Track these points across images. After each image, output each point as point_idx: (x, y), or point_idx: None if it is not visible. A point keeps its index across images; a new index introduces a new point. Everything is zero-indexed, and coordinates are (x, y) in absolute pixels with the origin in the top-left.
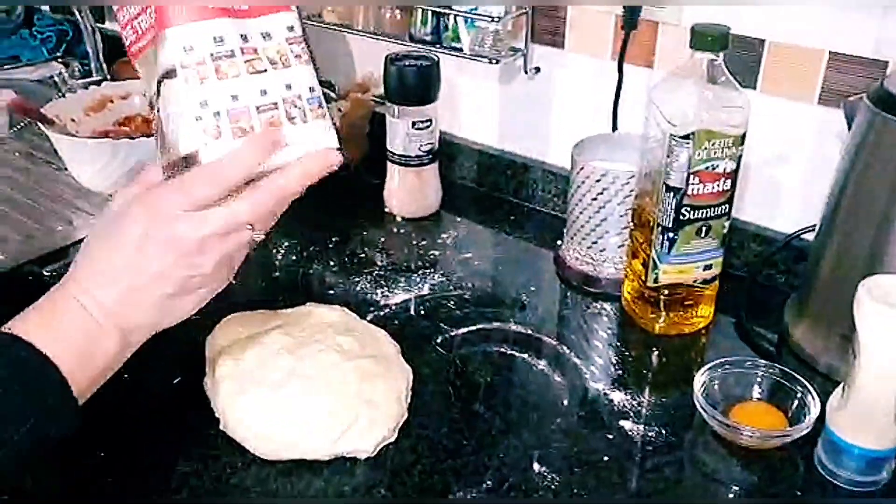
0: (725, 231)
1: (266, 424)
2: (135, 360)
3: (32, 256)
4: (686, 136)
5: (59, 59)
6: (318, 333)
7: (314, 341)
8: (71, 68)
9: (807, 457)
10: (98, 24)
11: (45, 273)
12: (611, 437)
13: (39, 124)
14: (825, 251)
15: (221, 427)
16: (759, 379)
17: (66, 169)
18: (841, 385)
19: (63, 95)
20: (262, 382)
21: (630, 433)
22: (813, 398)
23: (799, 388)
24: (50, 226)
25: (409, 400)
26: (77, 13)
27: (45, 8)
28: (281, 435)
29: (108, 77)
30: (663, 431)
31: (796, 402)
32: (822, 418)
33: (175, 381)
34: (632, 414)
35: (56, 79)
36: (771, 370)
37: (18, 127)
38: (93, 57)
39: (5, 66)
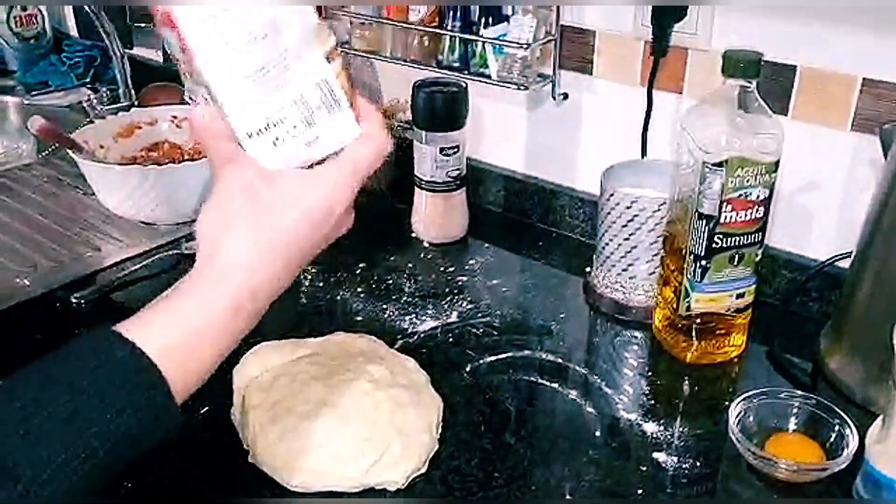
0: (758, 259)
1: (296, 455)
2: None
3: (61, 283)
4: (719, 164)
5: (88, 85)
6: (348, 362)
7: (345, 370)
8: (99, 94)
9: (846, 491)
10: (126, 50)
11: (73, 299)
12: (644, 469)
13: (68, 150)
14: (861, 279)
15: (250, 458)
16: (795, 410)
17: (93, 194)
18: (880, 417)
19: (92, 121)
20: (291, 412)
21: (663, 465)
22: (851, 430)
23: (836, 420)
24: (78, 252)
25: (440, 430)
26: (105, 38)
27: (74, 33)
28: (311, 465)
29: (136, 103)
30: (697, 463)
31: (834, 434)
32: (860, 451)
33: (202, 412)
34: (665, 445)
35: (85, 105)
36: (807, 401)
37: (46, 152)
38: (121, 82)
39: (34, 92)
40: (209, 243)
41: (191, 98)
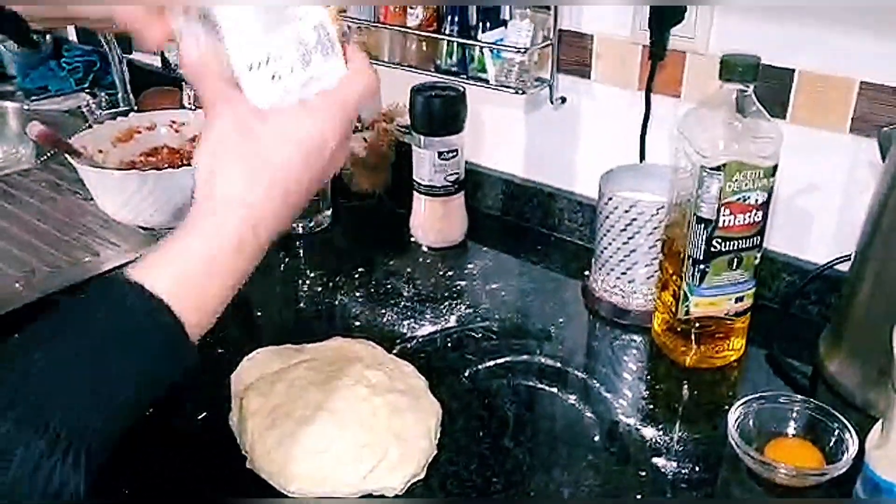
0: (757, 263)
1: (294, 460)
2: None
3: (58, 288)
4: (717, 168)
5: (87, 90)
6: (346, 368)
7: (343, 376)
8: (98, 99)
9: (845, 495)
10: (125, 55)
11: None
12: (643, 473)
13: (67, 155)
14: (861, 282)
15: (248, 464)
16: (794, 414)
17: (92, 199)
18: (880, 421)
19: (90, 126)
20: (289, 418)
21: (663, 470)
22: (851, 435)
23: (836, 424)
24: (76, 257)
25: (438, 435)
26: (105, 43)
27: (74, 38)
28: (309, 471)
29: (135, 108)
30: (696, 468)
31: (833, 438)
32: (860, 455)
33: (200, 417)
34: (664, 450)
35: (84, 109)
36: (807, 405)
37: (45, 157)
38: (120, 87)
39: (34, 97)
40: (206, 181)
41: (190, 103)
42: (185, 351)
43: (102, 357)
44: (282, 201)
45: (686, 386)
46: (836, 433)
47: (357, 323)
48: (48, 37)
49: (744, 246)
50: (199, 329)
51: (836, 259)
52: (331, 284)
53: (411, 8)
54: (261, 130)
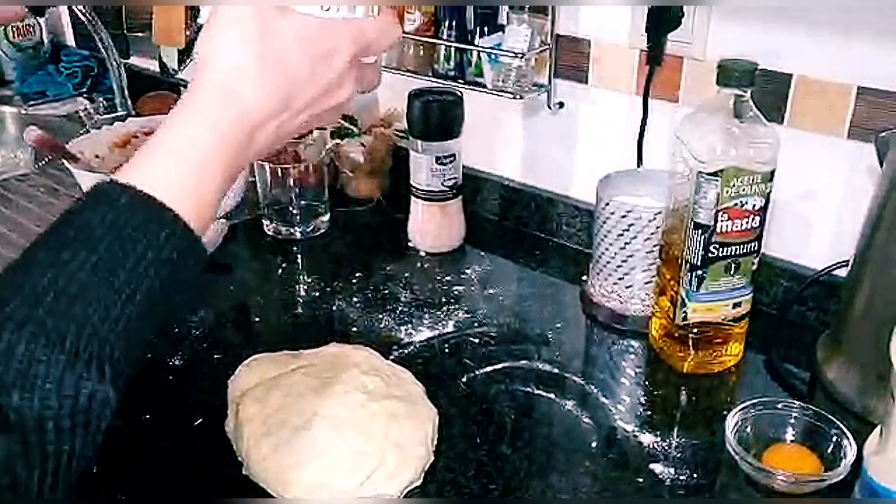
0: (755, 268)
1: (290, 468)
2: (156, 401)
3: None
4: (714, 173)
5: (85, 95)
6: (342, 374)
7: (339, 382)
8: (96, 104)
9: None
10: (123, 60)
11: None
12: (641, 480)
13: (64, 161)
14: (859, 288)
15: (244, 471)
16: (792, 420)
17: None
18: (878, 427)
19: (88, 131)
20: (285, 424)
21: (660, 476)
22: (849, 441)
23: (834, 430)
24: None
25: (435, 442)
26: (103, 48)
27: (72, 43)
28: (305, 478)
29: (133, 112)
30: (694, 475)
31: (832, 444)
32: (858, 462)
33: (196, 423)
34: (662, 456)
35: (82, 114)
36: (805, 412)
37: (43, 162)
38: (118, 92)
39: (32, 102)
40: (209, 62)
41: None
42: (192, 247)
43: (108, 266)
44: (283, 105)
45: (684, 392)
46: (834, 439)
47: (354, 328)
48: (47, 42)
49: (741, 251)
50: (200, 223)
51: (834, 264)
52: (328, 290)
53: (409, 12)
54: (281, 27)
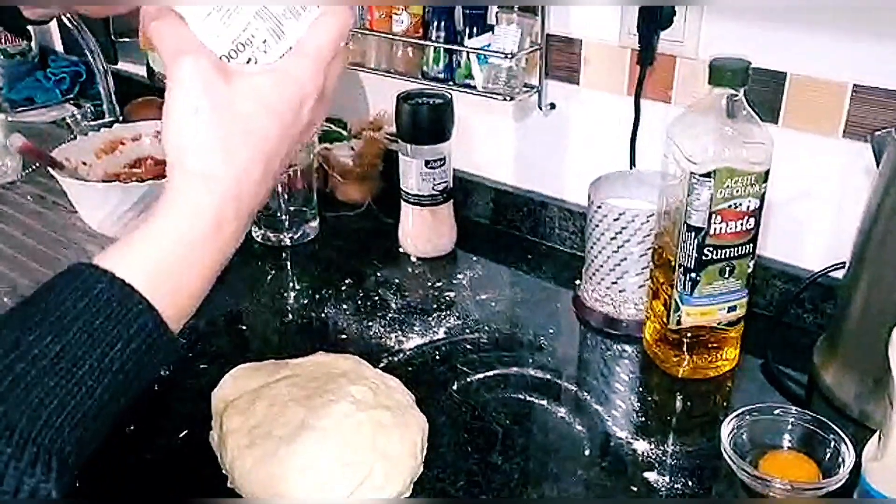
0: (750, 271)
1: (275, 480)
2: (140, 413)
3: None
4: (707, 174)
5: (73, 101)
6: (329, 383)
7: (326, 392)
8: (84, 110)
9: None
10: (110, 66)
11: None
12: (635, 489)
13: (49, 168)
14: (855, 290)
15: (229, 483)
16: (789, 427)
17: (77, 212)
18: (876, 433)
19: (75, 137)
20: (270, 436)
21: (655, 485)
22: (847, 447)
23: (832, 436)
24: (60, 270)
25: (424, 452)
26: (89, 54)
27: (60, 49)
28: (291, 491)
29: (121, 118)
30: (689, 483)
31: (829, 451)
32: (857, 469)
33: (181, 436)
34: (656, 464)
35: (69, 121)
36: (802, 418)
37: (30, 170)
38: (105, 98)
39: (20, 109)
40: (177, 154)
41: None
42: (163, 343)
43: (72, 355)
44: (261, 174)
45: (679, 397)
46: (832, 446)
47: (344, 336)
48: (35, 48)
49: (736, 254)
50: (178, 318)
51: (831, 266)
52: (318, 297)
53: (396, 14)
54: (233, 94)
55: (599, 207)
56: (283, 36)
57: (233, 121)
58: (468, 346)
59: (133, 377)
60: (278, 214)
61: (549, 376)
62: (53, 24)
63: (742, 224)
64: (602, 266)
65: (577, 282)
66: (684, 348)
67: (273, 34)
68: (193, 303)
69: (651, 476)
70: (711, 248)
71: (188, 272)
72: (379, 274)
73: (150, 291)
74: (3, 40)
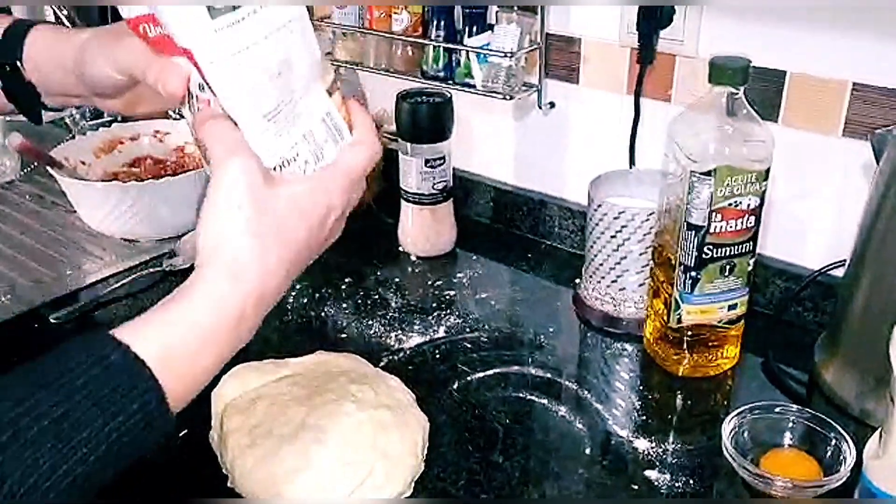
0: (750, 269)
1: (276, 480)
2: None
3: (40, 302)
4: (707, 173)
5: None
6: (330, 383)
7: (326, 391)
8: (82, 109)
9: None
10: None
11: (52, 319)
12: (636, 487)
13: (48, 167)
14: (856, 288)
15: (229, 483)
16: (790, 425)
17: (76, 212)
18: (878, 431)
19: (74, 137)
20: (271, 435)
21: (656, 483)
22: (848, 445)
23: (833, 434)
24: (59, 270)
25: (425, 451)
26: None
27: None
28: (291, 491)
29: (119, 118)
30: (690, 481)
31: (831, 449)
32: (858, 467)
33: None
34: (657, 463)
35: (67, 120)
36: (803, 416)
37: (29, 169)
38: None
39: None
40: (213, 247)
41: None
42: (161, 423)
43: (75, 419)
44: (285, 276)
45: (679, 396)
46: (833, 444)
47: (344, 335)
48: None
49: (736, 252)
50: (181, 400)
51: (831, 265)
52: (317, 296)
53: (396, 13)
54: (274, 201)
55: (599, 206)
56: (321, 158)
57: (270, 223)
58: (468, 345)
59: (126, 451)
60: None
61: (549, 375)
62: (49, 18)
63: (742, 222)
64: (602, 265)
65: (578, 280)
66: (685, 347)
67: (314, 156)
68: (198, 388)
69: (652, 474)
70: (712, 247)
71: (200, 359)
72: (379, 273)
73: (160, 371)
74: None
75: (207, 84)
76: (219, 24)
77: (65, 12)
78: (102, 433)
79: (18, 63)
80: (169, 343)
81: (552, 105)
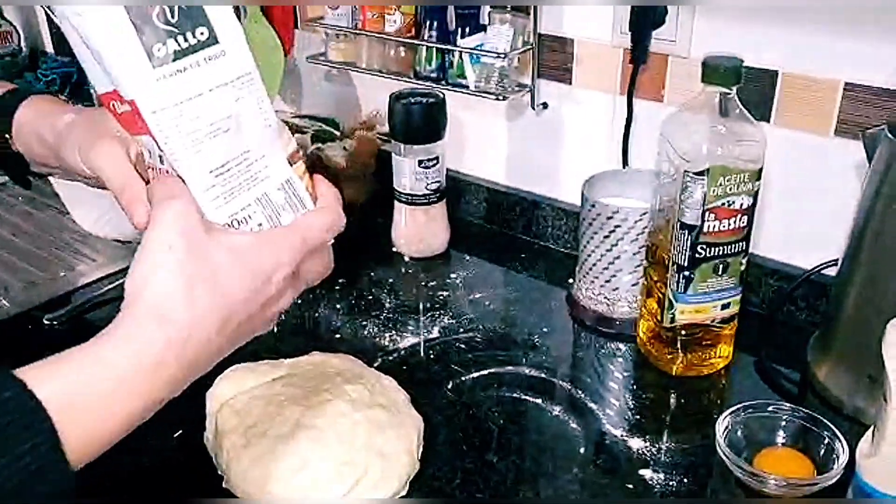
0: (743, 268)
1: (271, 480)
2: None
3: (34, 304)
4: (700, 173)
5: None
6: (325, 383)
7: (322, 391)
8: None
9: None
10: None
11: (46, 321)
12: (630, 486)
13: None
14: (849, 287)
15: (224, 484)
16: (783, 423)
17: (68, 213)
18: (870, 429)
19: None
20: (266, 436)
21: (650, 482)
22: (841, 444)
23: (826, 432)
24: (52, 271)
25: (420, 450)
26: None
27: (51, 49)
28: (287, 490)
29: None
30: (685, 480)
31: (824, 447)
32: (851, 465)
33: (176, 436)
34: (651, 462)
35: None
36: (796, 414)
37: None
38: (96, 100)
39: None
40: (139, 287)
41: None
42: (55, 471)
43: None
44: (217, 330)
45: (673, 395)
46: (826, 442)
47: (338, 336)
48: (25, 48)
49: (729, 251)
50: (81, 454)
51: (823, 264)
52: (311, 296)
53: (389, 14)
54: (211, 247)
55: (593, 206)
56: (278, 225)
57: (202, 267)
58: (462, 346)
59: (18, 496)
60: None
61: (543, 375)
62: (43, 25)
63: (735, 222)
64: (595, 264)
65: (571, 280)
66: (678, 346)
67: (269, 220)
68: (102, 445)
69: (646, 473)
70: (705, 246)
71: (108, 407)
72: (373, 274)
73: (59, 415)
74: None
75: (152, 136)
76: (160, 73)
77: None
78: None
79: (7, 135)
80: (73, 386)
81: (545, 105)
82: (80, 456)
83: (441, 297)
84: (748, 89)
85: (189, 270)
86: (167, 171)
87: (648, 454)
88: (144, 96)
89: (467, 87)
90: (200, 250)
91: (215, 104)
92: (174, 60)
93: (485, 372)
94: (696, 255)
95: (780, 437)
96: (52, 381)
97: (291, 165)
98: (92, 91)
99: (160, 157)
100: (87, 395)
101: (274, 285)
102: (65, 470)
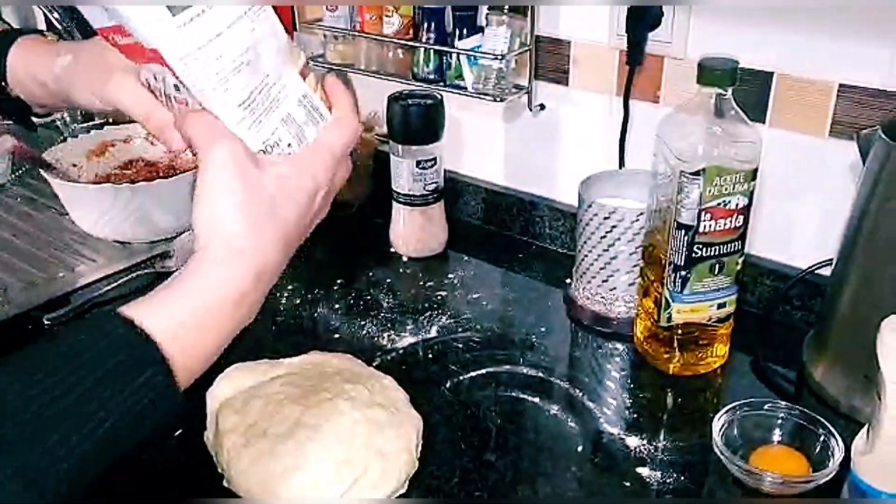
0: (739, 268)
1: (271, 479)
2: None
3: (34, 304)
4: (696, 173)
5: None
6: (324, 382)
7: (321, 391)
8: (73, 111)
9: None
10: None
11: (46, 321)
12: (628, 484)
13: (40, 170)
14: (843, 287)
15: (225, 483)
16: (779, 421)
17: (68, 214)
18: (865, 427)
19: (65, 139)
20: (266, 435)
21: (647, 480)
22: (837, 441)
23: (821, 430)
24: (51, 272)
25: (419, 449)
26: None
27: None
28: (287, 489)
29: (110, 120)
30: (682, 478)
31: (819, 445)
32: (846, 462)
33: (176, 435)
34: (648, 460)
35: (58, 122)
36: (792, 412)
37: (20, 172)
38: None
39: None
40: (210, 228)
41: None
42: (168, 397)
43: (82, 389)
44: (283, 253)
45: (670, 394)
46: (821, 440)
47: (337, 335)
48: None
49: (725, 251)
50: (188, 374)
51: (818, 264)
52: (309, 297)
53: (388, 16)
54: (263, 179)
55: (590, 207)
56: (304, 140)
57: (262, 203)
58: (460, 345)
59: (133, 427)
60: None
61: (541, 374)
62: (42, 24)
63: (731, 221)
64: (593, 265)
65: (568, 280)
66: (675, 345)
67: (296, 138)
68: (203, 365)
69: (643, 471)
70: (701, 246)
71: (206, 335)
72: (371, 274)
73: (167, 345)
74: None
75: (180, 81)
76: (180, 20)
77: (56, 15)
78: (110, 406)
79: (2, 82)
80: (175, 319)
81: (542, 107)
82: (183, 382)
83: (439, 297)
84: (744, 90)
85: (253, 208)
86: (185, 101)
87: (646, 452)
88: (169, 45)
89: (465, 88)
90: (256, 187)
91: (234, 40)
92: (190, 6)
93: (483, 371)
94: (693, 255)
95: (776, 435)
96: (157, 316)
97: (304, 80)
98: None
99: (175, 85)
100: (188, 327)
101: (317, 203)
102: (175, 396)
